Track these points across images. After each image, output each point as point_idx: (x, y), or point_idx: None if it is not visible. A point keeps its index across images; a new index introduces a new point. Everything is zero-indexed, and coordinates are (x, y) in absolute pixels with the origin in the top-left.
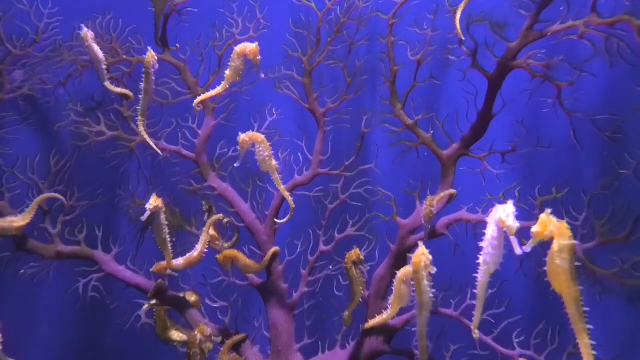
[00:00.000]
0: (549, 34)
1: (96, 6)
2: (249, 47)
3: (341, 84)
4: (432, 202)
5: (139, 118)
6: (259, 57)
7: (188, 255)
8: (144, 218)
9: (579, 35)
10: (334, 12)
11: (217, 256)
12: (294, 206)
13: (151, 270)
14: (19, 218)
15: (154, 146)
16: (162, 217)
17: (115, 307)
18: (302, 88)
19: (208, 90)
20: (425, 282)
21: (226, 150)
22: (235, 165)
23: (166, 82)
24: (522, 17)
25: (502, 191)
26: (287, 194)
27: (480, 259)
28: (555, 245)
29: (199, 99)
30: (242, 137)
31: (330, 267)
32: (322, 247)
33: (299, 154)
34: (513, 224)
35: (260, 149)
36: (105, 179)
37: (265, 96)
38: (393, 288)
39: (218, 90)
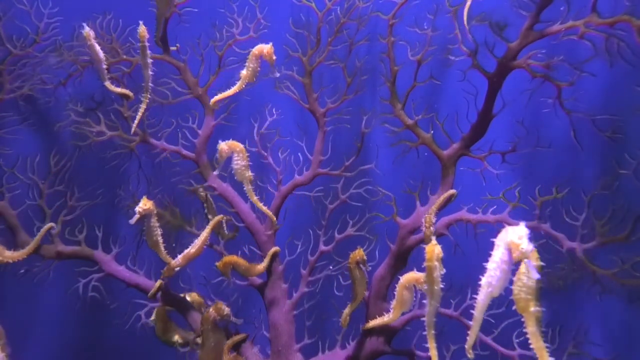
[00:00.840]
0: (550, 34)
1: (96, 6)
2: (265, 49)
3: (341, 84)
4: (431, 222)
5: (144, 94)
6: (274, 57)
7: (185, 251)
8: (132, 221)
9: (579, 35)
10: (334, 12)
11: (217, 264)
12: (270, 214)
13: (161, 277)
14: (8, 253)
15: (135, 125)
16: (154, 219)
17: (115, 307)
18: (302, 88)
19: (208, 90)
20: (437, 272)
21: None
22: (215, 173)
23: (166, 82)
24: (522, 17)
25: (502, 191)
26: (260, 205)
27: (484, 281)
28: (523, 267)
29: (216, 97)
30: (222, 145)
31: (331, 267)
32: (322, 247)
33: (299, 154)
34: (527, 247)
35: (237, 158)
36: (105, 179)
37: (265, 96)
38: (395, 293)
39: (234, 89)
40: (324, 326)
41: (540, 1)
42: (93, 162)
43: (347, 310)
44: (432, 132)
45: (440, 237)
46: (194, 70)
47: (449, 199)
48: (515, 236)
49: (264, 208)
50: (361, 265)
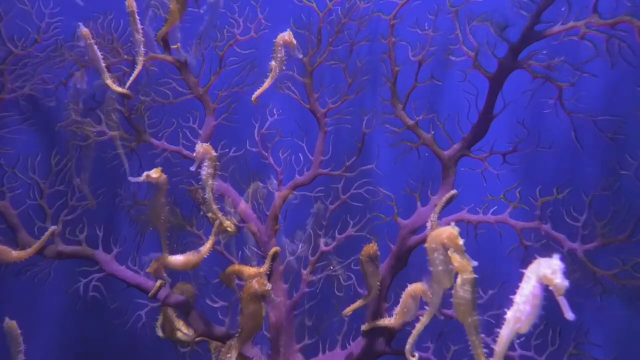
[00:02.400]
0: (551, 35)
1: (97, 6)
2: (285, 35)
3: (342, 84)
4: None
5: (138, 58)
6: (294, 42)
7: (188, 254)
8: (133, 179)
9: (580, 36)
10: (335, 12)
11: (220, 277)
12: (229, 224)
13: (147, 269)
14: (15, 254)
15: (129, 83)
16: (163, 195)
17: (116, 307)
18: (303, 88)
19: (209, 91)
20: (435, 255)
21: (227, 150)
22: (191, 169)
23: (167, 82)
24: (523, 18)
25: (503, 192)
26: (219, 214)
27: (510, 314)
28: (459, 279)
29: (256, 94)
30: (198, 147)
31: (331, 268)
32: (323, 248)
33: (300, 154)
34: (562, 282)
35: (206, 165)
36: (106, 179)
37: (266, 96)
38: (400, 299)
39: (269, 81)
40: (324, 326)
41: (542, 2)
42: (94, 162)
43: (357, 303)
44: (432, 132)
45: None
46: (194, 70)
47: (450, 200)
48: (548, 270)
49: (223, 218)
50: (374, 260)
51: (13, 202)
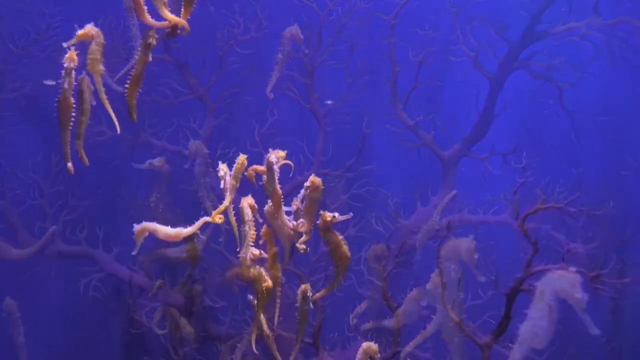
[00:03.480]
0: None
1: (97, 6)
2: (293, 30)
3: (342, 84)
4: (429, 231)
5: (135, 52)
6: (301, 36)
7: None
8: (137, 165)
9: (580, 36)
10: (336, 12)
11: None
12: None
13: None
14: (15, 251)
15: (122, 73)
16: (164, 182)
17: (115, 306)
18: (303, 88)
19: (210, 90)
20: (449, 264)
21: (227, 150)
22: (185, 166)
23: (167, 82)
24: (524, 18)
25: (503, 192)
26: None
27: (525, 330)
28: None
29: (269, 87)
30: (191, 144)
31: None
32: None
33: (300, 154)
34: (582, 296)
35: (198, 162)
36: (106, 179)
37: (266, 96)
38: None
39: (276, 73)
40: (324, 326)
41: (542, 2)
42: (94, 162)
43: (362, 305)
44: (433, 132)
45: (441, 237)
46: (195, 70)
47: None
48: (567, 284)
49: (215, 217)
50: (383, 260)
51: (13, 202)
